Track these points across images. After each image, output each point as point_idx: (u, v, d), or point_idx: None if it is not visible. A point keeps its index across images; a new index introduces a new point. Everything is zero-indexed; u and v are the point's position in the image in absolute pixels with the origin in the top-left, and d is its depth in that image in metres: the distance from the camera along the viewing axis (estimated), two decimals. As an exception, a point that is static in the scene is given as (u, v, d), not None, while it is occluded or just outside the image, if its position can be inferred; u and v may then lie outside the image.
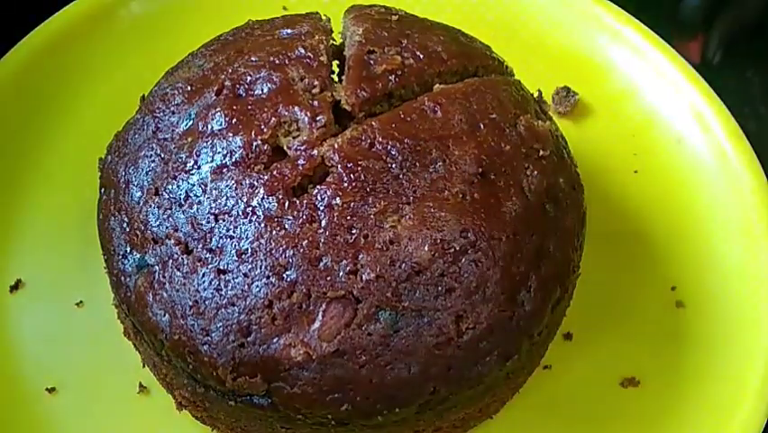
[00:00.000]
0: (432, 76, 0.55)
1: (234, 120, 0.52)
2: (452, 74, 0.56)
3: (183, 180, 0.52)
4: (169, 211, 0.51)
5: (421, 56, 0.55)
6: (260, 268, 0.49)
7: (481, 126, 0.53)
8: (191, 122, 0.53)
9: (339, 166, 0.50)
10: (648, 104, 0.71)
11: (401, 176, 0.50)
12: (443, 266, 0.49)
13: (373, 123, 0.52)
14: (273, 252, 0.49)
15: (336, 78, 0.56)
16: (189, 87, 0.55)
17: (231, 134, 0.51)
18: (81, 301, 0.63)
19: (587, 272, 0.58)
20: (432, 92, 0.54)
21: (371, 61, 0.54)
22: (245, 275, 0.49)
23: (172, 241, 0.51)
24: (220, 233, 0.50)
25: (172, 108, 0.55)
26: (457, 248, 0.50)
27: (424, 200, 0.50)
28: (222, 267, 0.49)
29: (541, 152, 0.55)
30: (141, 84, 0.59)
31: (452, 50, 0.56)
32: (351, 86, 0.53)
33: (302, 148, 0.51)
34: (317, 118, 0.51)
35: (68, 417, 0.59)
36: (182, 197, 0.51)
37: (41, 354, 0.61)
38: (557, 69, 0.71)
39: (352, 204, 0.49)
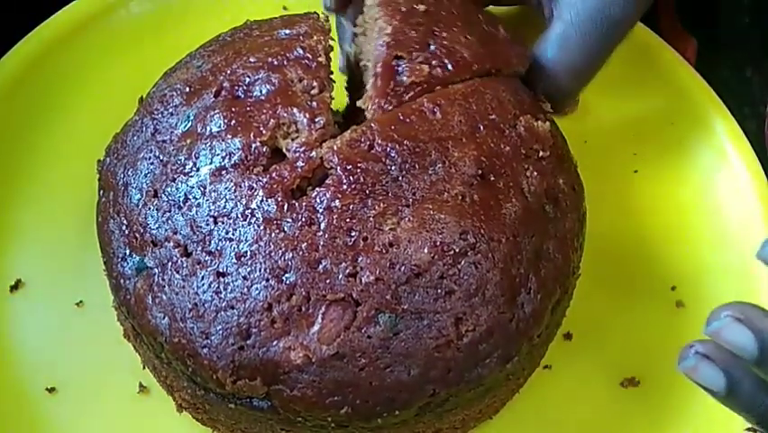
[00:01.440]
0: (455, 82, 0.54)
1: (233, 122, 0.52)
2: (476, 75, 0.55)
3: (182, 183, 0.51)
4: (168, 214, 0.51)
5: (449, 65, 0.53)
6: (260, 271, 0.49)
7: (481, 128, 0.53)
8: (190, 123, 0.53)
9: (338, 168, 0.50)
10: (648, 104, 0.71)
11: (400, 178, 0.50)
12: (443, 268, 0.49)
13: (372, 124, 0.51)
14: (272, 254, 0.49)
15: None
16: (188, 89, 0.55)
17: (229, 136, 0.51)
18: (81, 301, 0.63)
19: (587, 273, 0.58)
20: (432, 93, 0.54)
21: (399, 70, 0.53)
22: (244, 278, 0.49)
23: (171, 243, 0.51)
24: (219, 235, 0.50)
25: (170, 110, 0.55)
26: (457, 250, 0.50)
27: (423, 202, 0.50)
28: (221, 270, 0.49)
29: (540, 153, 0.55)
30: (139, 85, 0.59)
31: (479, 53, 0.55)
32: (378, 98, 0.52)
33: (301, 150, 0.51)
34: (316, 119, 0.51)
35: (68, 417, 0.59)
36: (181, 199, 0.51)
37: (41, 354, 0.61)
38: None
39: (351, 206, 0.49)
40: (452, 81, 0.54)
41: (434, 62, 0.53)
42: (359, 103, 0.53)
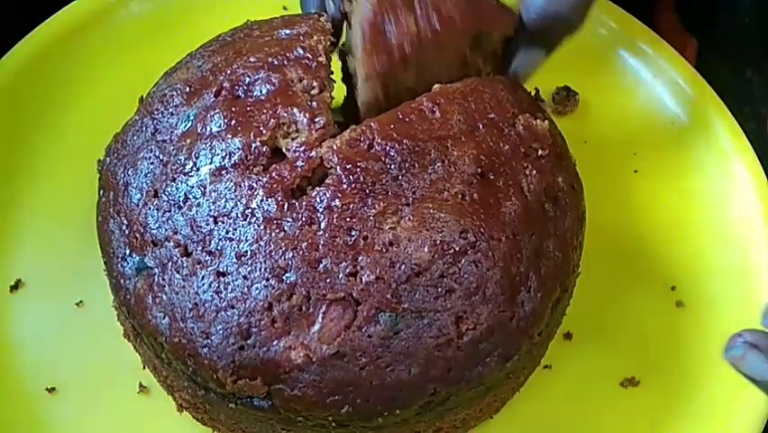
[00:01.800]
0: (447, 46, 0.53)
1: (233, 122, 0.52)
2: (466, 38, 0.54)
3: (182, 182, 0.51)
4: (169, 213, 0.51)
5: (436, 24, 0.53)
6: (260, 270, 0.49)
7: (480, 126, 0.53)
8: (190, 123, 0.53)
9: (338, 167, 0.50)
10: (648, 104, 0.71)
11: (400, 177, 0.50)
12: (443, 267, 0.49)
13: (372, 123, 0.51)
14: (273, 254, 0.49)
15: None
16: (188, 89, 0.55)
17: (230, 136, 0.51)
18: (81, 301, 0.63)
19: (587, 272, 0.58)
20: (431, 92, 0.54)
21: (386, 28, 0.53)
22: (245, 278, 0.49)
23: (171, 243, 0.51)
24: (219, 235, 0.50)
25: (171, 110, 0.55)
26: (457, 249, 0.50)
27: (423, 201, 0.50)
28: (221, 269, 0.49)
29: (540, 152, 0.55)
30: (139, 85, 0.59)
31: (466, 14, 0.54)
32: (366, 56, 0.52)
33: (300, 150, 0.51)
34: (316, 119, 0.51)
35: (68, 417, 0.59)
36: (181, 199, 0.51)
37: (41, 354, 0.61)
38: (557, 69, 0.70)
39: (351, 205, 0.49)
40: (441, 41, 0.53)
41: (421, 22, 0.53)
42: (350, 68, 0.53)
